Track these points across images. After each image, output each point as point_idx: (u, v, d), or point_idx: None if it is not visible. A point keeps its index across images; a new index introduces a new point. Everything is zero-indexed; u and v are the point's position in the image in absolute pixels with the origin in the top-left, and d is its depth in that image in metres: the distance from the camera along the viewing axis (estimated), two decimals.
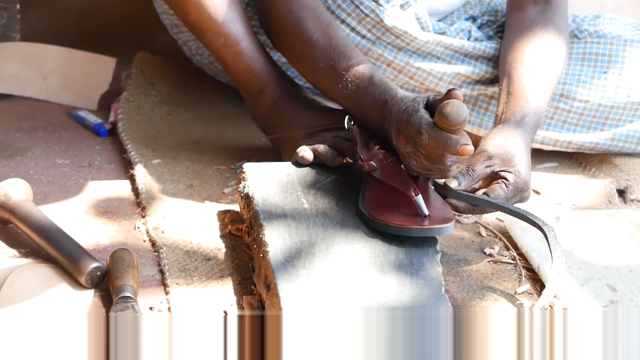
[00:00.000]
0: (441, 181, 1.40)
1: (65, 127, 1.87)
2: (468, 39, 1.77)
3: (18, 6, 2.06)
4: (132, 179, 1.65)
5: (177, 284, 1.35)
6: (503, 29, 1.77)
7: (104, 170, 1.70)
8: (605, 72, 1.75)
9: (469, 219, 1.54)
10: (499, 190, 1.41)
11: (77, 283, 1.34)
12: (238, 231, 1.47)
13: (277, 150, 1.64)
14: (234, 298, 1.32)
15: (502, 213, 1.50)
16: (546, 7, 1.70)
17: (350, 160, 1.51)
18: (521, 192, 1.43)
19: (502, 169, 1.43)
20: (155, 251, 1.44)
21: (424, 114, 1.36)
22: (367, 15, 1.68)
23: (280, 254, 1.29)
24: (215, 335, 1.15)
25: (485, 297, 1.35)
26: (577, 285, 1.36)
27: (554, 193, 1.67)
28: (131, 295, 1.28)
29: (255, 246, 1.34)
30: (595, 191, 1.68)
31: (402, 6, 1.70)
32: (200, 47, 1.84)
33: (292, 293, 1.22)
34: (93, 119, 1.88)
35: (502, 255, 1.46)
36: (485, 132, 1.74)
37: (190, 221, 1.50)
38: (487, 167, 1.43)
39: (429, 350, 1.14)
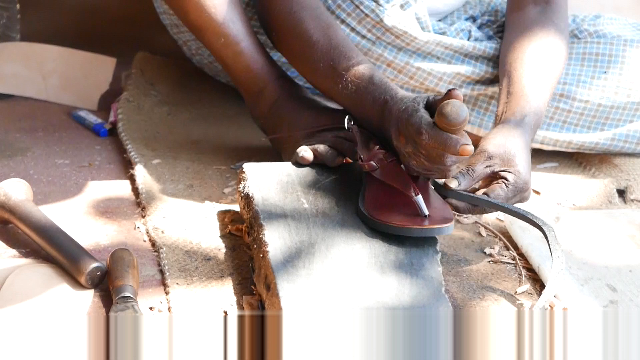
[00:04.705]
0: (441, 181, 1.40)
1: (65, 127, 1.87)
2: (468, 39, 1.77)
3: (18, 6, 2.06)
4: (132, 179, 1.65)
5: (177, 284, 1.35)
6: (503, 29, 1.77)
7: (104, 170, 1.70)
8: (605, 72, 1.75)
9: (469, 219, 1.54)
10: (499, 190, 1.41)
11: (77, 283, 1.33)
12: (238, 231, 1.47)
13: (277, 150, 1.64)
14: (234, 298, 1.32)
15: (502, 213, 1.50)
16: (546, 7, 1.70)
17: (350, 160, 1.50)
18: (521, 192, 1.43)
19: (502, 169, 1.43)
20: (155, 251, 1.44)
21: (424, 114, 1.36)
22: (367, 15, 1.68)
23: (280, 254, 1.28)
24: (215, 335, 1.15)
25: (485, 297, 1.35)
26: (577, 285, 1.36)
27: (554, 193, 1.67)
28: (131, 295, 1.27)
29: (255, 246, 1.34)
30: (595, 191, 1.68)
31: (402, 6, 1.69)
32: (200, 47, 1.83)
33: (292, 293, 1.22)
34: (93, 119, 1.88)
35: (502, 255, 1.46)
36: (485, 132, 1.74)
37: (190, 221, 1.50)
38: (487, 167, 1.43)
39: (429, 351, 1.13)
